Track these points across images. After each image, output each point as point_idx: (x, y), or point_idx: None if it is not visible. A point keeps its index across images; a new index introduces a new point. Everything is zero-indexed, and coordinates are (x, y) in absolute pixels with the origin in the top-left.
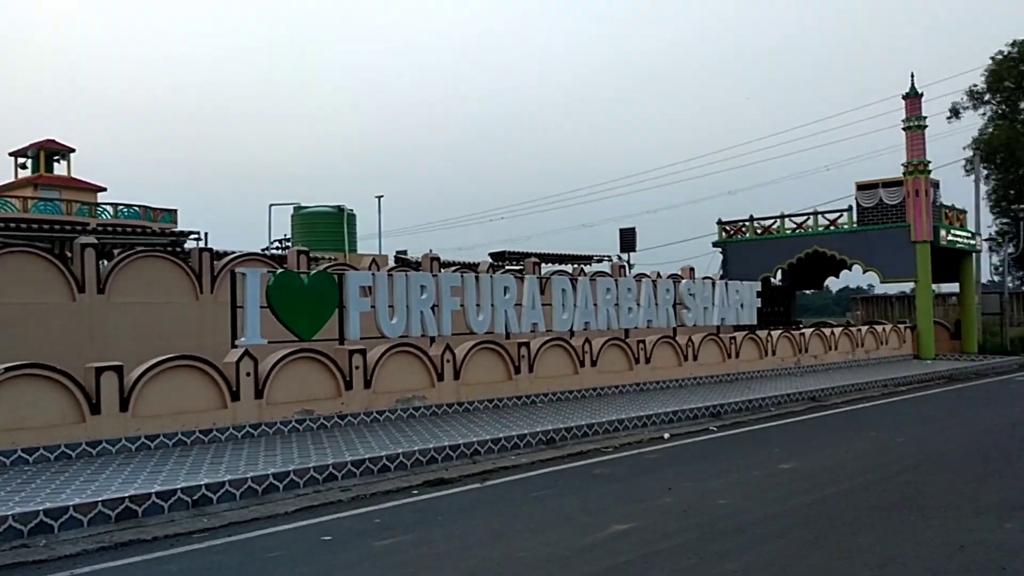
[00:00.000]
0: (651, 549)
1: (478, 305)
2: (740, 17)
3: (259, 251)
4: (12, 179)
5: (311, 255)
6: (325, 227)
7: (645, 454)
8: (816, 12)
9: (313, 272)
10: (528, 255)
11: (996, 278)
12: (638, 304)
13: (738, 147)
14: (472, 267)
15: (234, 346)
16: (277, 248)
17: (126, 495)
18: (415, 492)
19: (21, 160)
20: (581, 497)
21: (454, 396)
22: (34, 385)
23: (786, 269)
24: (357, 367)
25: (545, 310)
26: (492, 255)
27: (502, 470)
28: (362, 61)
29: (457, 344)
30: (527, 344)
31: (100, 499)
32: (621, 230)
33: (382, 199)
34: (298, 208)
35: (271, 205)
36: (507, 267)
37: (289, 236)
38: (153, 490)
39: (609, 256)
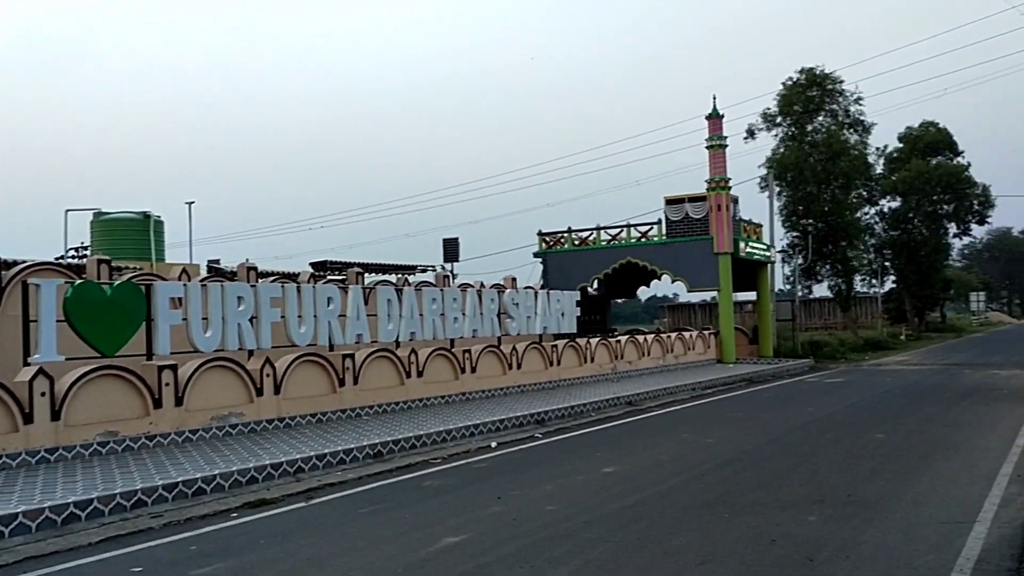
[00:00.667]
0: (483, 560)
1: (300, 316)
2: (565, 36)
3: (53, 260)
4: None
5: (113, 264)
6: (129, 234)
7: (473, 464)
8: (632, 34)
9: (117, 283)
10: (351, 265)
11: (788, 287)
12: (463, 314)
13: (558, 160)
14: (292, 277)
15: (27, 364)
16: (73, 257)
17: None
18: (234, 515)
19: None
20: (411, 511)
21: (275, 411)
22: None
23: (602, 279)
24: (167, 384)
25: (370, 321)
26: (313, 264)
27: (328, 487)
28: (169, 59)
29: (278, 357)
30: (352, 356)
31: None
32: (444, 240)
33: (193, 205)
34: (98, 214)
35: (67, 211)
36: (329, 277)
37: (87, 244)
38: None
39: (433, 266)
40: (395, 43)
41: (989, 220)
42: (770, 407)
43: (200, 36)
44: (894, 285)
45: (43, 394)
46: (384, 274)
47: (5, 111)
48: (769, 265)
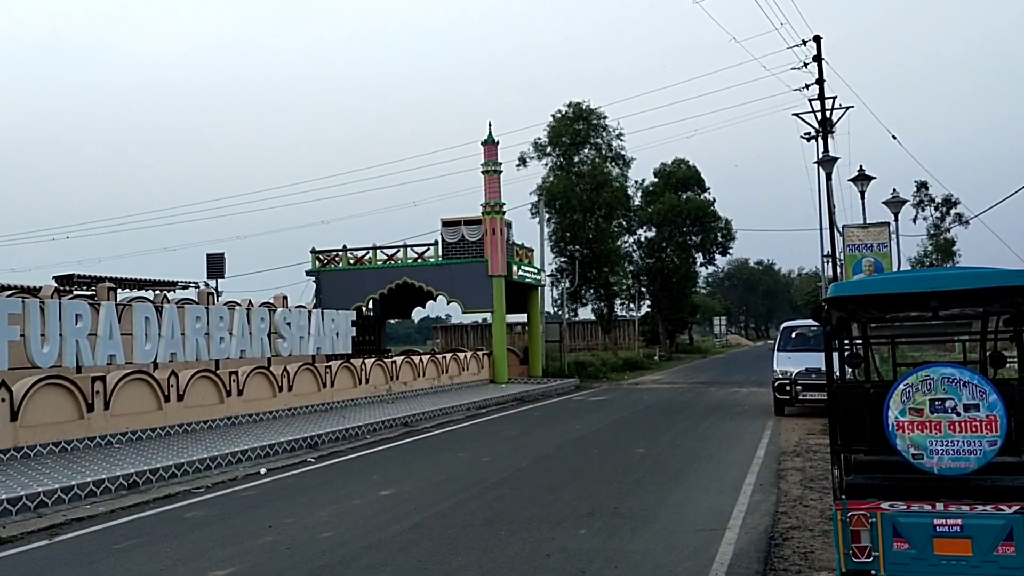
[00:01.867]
0: None
1: (43, 335)
2: (346, 52)
3: None
4: None
5: None
6: None
7: (241, 492)
8: (415, 54)
9: None
10: (102, 279)
11: (556, 309)
12: (231, 334)
13: (334, 177)
14: (33, 291)
15: None
16: None
17: None
18: None
19: None
20: (172, 544)
21: (11, 441)
22: None
23: (377, 299)
24: None
25: (125, 340)
26: (58, 279)
27: (76, 522)
28: None
29: (15, 380)
30: (103, 378)
31: None
32: (209, 255)
33: None
34: None
35: None
36: (77, 292)
37: None
38: None
39: (196, 282)
40: (165, 42)
41: (731, 251)
42: (541, 425)
43: None
44: (649, 309)
45: None
46: (140, 290)
47: None
48: (539, 288)
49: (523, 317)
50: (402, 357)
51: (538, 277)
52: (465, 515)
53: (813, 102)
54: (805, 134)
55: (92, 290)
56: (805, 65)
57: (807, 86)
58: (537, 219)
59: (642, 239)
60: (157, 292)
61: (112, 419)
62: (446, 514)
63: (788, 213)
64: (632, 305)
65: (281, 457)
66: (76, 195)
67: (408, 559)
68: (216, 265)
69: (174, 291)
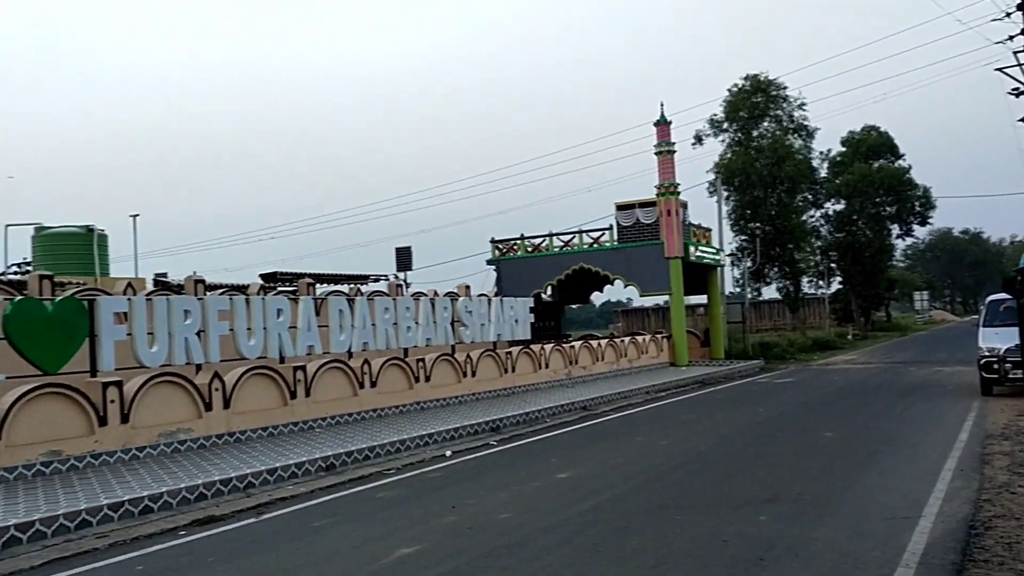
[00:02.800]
0: (438, 571)
1: (249, 329)
2: (512, 41)
3: None
4: None
5: (56, 280)
6: (72, 249)
7: (428, 473)
8: (583, 39)
9: (58, 299)
10: (302, 275)
11: (737, 289)
12: (417, 323)
13: (510, 167)
14: (241, 289)
15: None
16: (15, 273)
17: None
18: (182, 533)
19: None
20: (364, 523)
21: (224, 426)
22: None
23: (555, 285)
24: (112, 401)
25: (322, 332)
26: (263, 276)
27: (279, 502)
28: (110, 74)
29: (227, 371)
30: (303, 368)
31: None
32: (397, 249)
33: (137, 218)
34: (39, 229)
35: (7, 225)
36: (279, 288)
37: (29, 259)
38: None
39: (386, 275)
40: (339, 49)
41: (930, 221)
42: (722, 408)
43: (140, 47)
44: (840, 286)
45: None
46: (336, 284)
47: None
48: (719, 268)
49: (703, 298)
50: (580, 342)
51: (717, 257)
52: (641, 499)
53: (1019, 54)
54: (1013, 90)
55: (293, 286)
56: (1008, 15)
57: (1011, 37)
58: (715, 198)
59: (830, 212)
60: (351, 286)
61: (312, 405)
62: (622, 498)
63: (995, 177)
64: (821, 282)
65: (465, 440)
66: (281, 200)
67: (583, 541)
68: (404, 258)
69: (367, 284)
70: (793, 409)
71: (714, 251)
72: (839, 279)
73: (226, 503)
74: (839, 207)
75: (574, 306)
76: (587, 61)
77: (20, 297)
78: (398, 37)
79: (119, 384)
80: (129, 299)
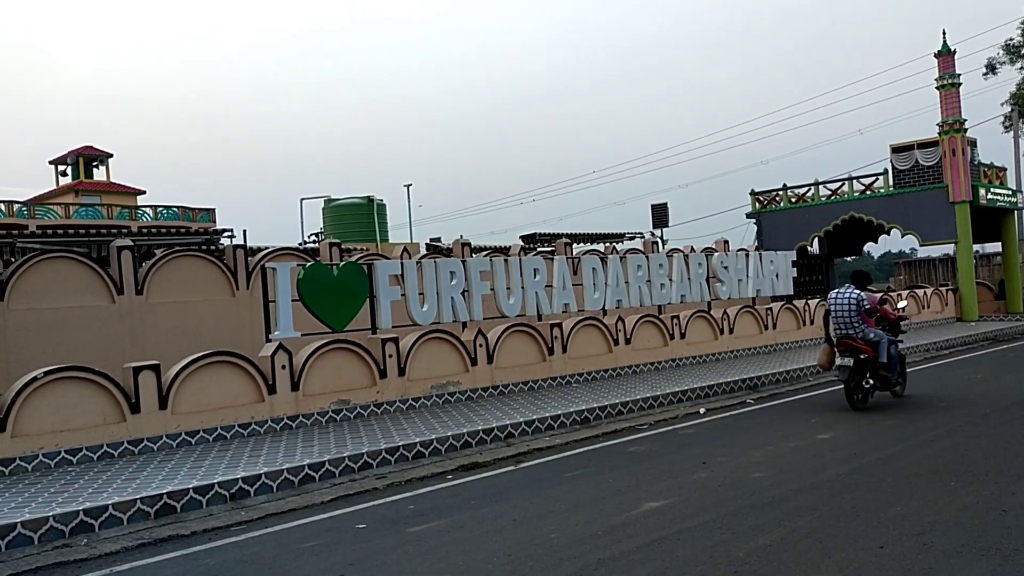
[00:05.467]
0: (684, 526)
1: (508, 288)
2: None
3: (292, 246)
4: (54, 187)
5: (343, 247)
6: (355, 218)
7: (680, 430)
8: None
9: (343, 264)
10: (559, 236)
11: None
12: (670, 280)
13: (769, 116)
14: (503, 251)
15: (268, 340)
16: (312, 241)
17: (164, 492)
18: (449, 477)
19: (61, 168)
20: (615, 476)
21: (488, 380)
22: (75, 387)
23: (822, 237)
24: (390, 356)
25: (576, 290)
26: (523, 238)
27: (536, 452)
28: (383, 54)
29: (489, 328)
30: (559, 325)
31: (139, 497)
32: (653, 206)
33: (411, 188)
34: (328, 201)
35: (302, 199)
36: (538, 249)
37: (322, 229)
38: (191, 485)
39: (641, 233)
40: (591, 10)
41: None
42: (1013, 368)
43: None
44: None
45: (283, 367)
46: (592, 243)
47: (246, 116)
48: (1015, 212)
49: (998, 246)
50: None
51: (1014, 200)
52: (910, 463)
53: None
54: None
55: (551, 246)
56: None
57: None
58: (1010, 133)
59: None
60: (607, 244)
61: (569, 361)
62: (888, 461)
63: None
64: None
65: (720, 398)
66: (542, 161)
67: (841, 504)
68: (660, 215)
69: (622, 242)
70: None
71: (1009, 192)
72: None
73: (489, 451)
74: None
75: (846, 259)
76: None
77: (311, 263)
78: None
79: (396, 340)
80: (402, 262)
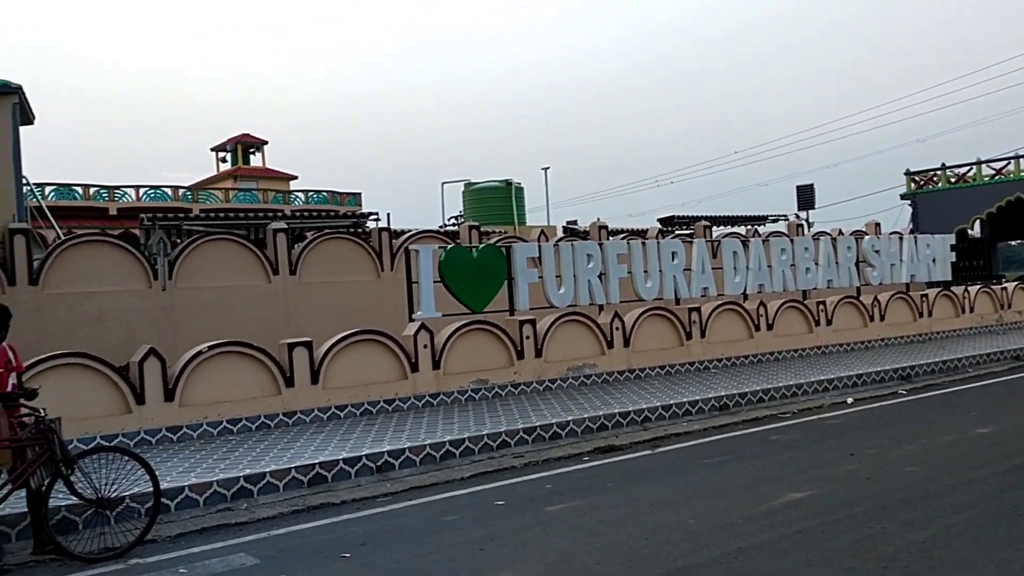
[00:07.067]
0: (830, 518)
1: (646, 271)
2: None
3: (433, 228)
4: (214, 172)
5: (482, 229)
6: (494, 202)
7: (826, 420)
8: None
9: (482, 246)
10: (698, 218)
11: None
12: (816, 264)
13: (925, 91)
14: (640, 234)
15: (411, 320)
16: (452, 224)
17: (316, 462)
18: (586, 459)
19: (221, 155)
20: (755, 464)
21: (625, 363)
22: (235, 361)
23: (985, 219)
24: (528, 337)
25: (716, 274)
26: (661, 220)
27: (673, 437)
28: (520, 45)
29: (626, 311)
30: (698, 309)
31: (294, 466)
32: (798, 187)
33: (548, 171)
34: (468, 185)
35: (443, 183)
36: (676, 232)
37: (462, 212)
38: (341, 457)
39: (785, 215)
40: None
41: None
42: None
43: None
44: None
45: (425, 346)
46: (733, 226)
47: (393, 110)
48: None
49: None
50: (1015, 283)
51: None
52: None
53: None
54: None
55: (690, 229)
56: None
57: None
58: None
59: None
60: (748, 227)
61: (708, 346)
62: None
63: None
64: None
65: (869, 387)
66: (680, 143)
67: (999, 503)
68: (806, 196)
69: (764, 225)
70: None
71: None
72: None
73: (625, 434)
74: None
75: (1012, 243)
76: None
77: (452, 245)
78: None
79: (533, 322)
80: (539, 245)
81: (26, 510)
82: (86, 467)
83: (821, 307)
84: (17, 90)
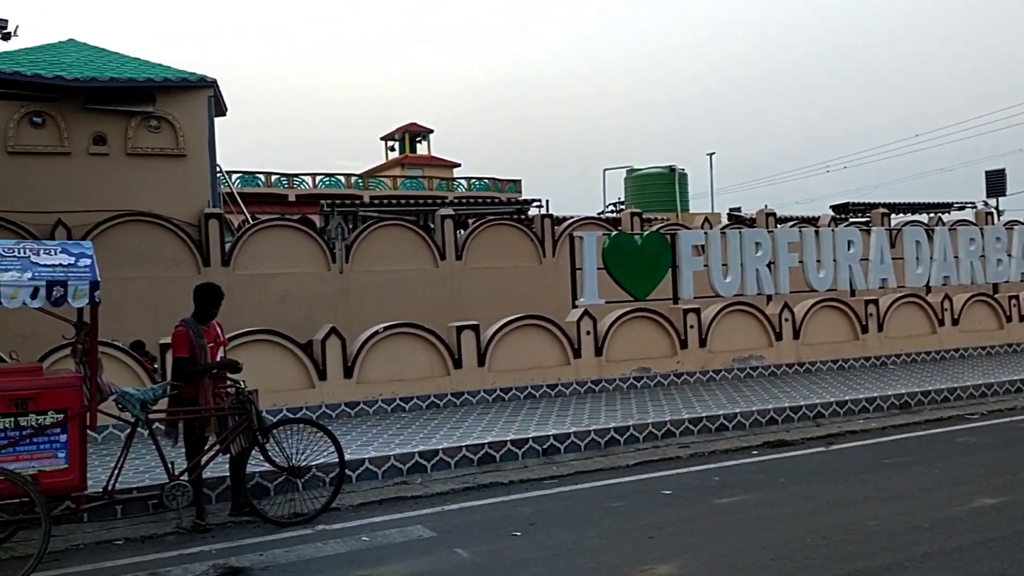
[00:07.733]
0: None
1: (818, 261)
2: None
3: (595, 215)
4: (383, 161)
5: (644, 216)
6: (657, 188)
7: (1018, 423)
8: None
9: (646, 233)
10: (875, 205)
11: None
12: (1009, 255)
13: None
14: (811, 221)
15: (574, 306)
16: (612, 211)
17: (485, 442)
18: (755, 452)
19: (390, 143)
20: (940, 467)
21: (794, 356)
22: (408, 342)
23: None
24: (692, 326)
25: (896, 264)
26: (834, 207)
27: (848, 434)
28: (680, 28)
29: (796, 302)
30: (875, 302)
31: (464, 444)
32: (987, 172)
33: (713, 156)
34: (631, 171)
35: (605, 170)
36: (851, 219)
37: (623, 199)
38: (508, 438)
39: (973, 202)
40: None
41: None
42: None
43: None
44: None
45: (588, 333)
46: (913, 214)
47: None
48: None
49: None
50: None
51: None
52: None
53: None
54: None
55: (866, 216)
56: None
57: None
58: None
59: None
60: (931, 215)
61: (885, 341)
62: None
63: None
64: None
65: None
66: (851, 126)
67: None
68: (996, 182)
69: (948, 212)
70: None
71: None
72: None
73: (796, 429)
74: None
75: None
76: None
77: (615, 232)
78: None
79: (697, 311)
80: (705, 233)
81: (224, 475)
82: (279, 436)
83: (1014, 302)
84: (212, 84)
